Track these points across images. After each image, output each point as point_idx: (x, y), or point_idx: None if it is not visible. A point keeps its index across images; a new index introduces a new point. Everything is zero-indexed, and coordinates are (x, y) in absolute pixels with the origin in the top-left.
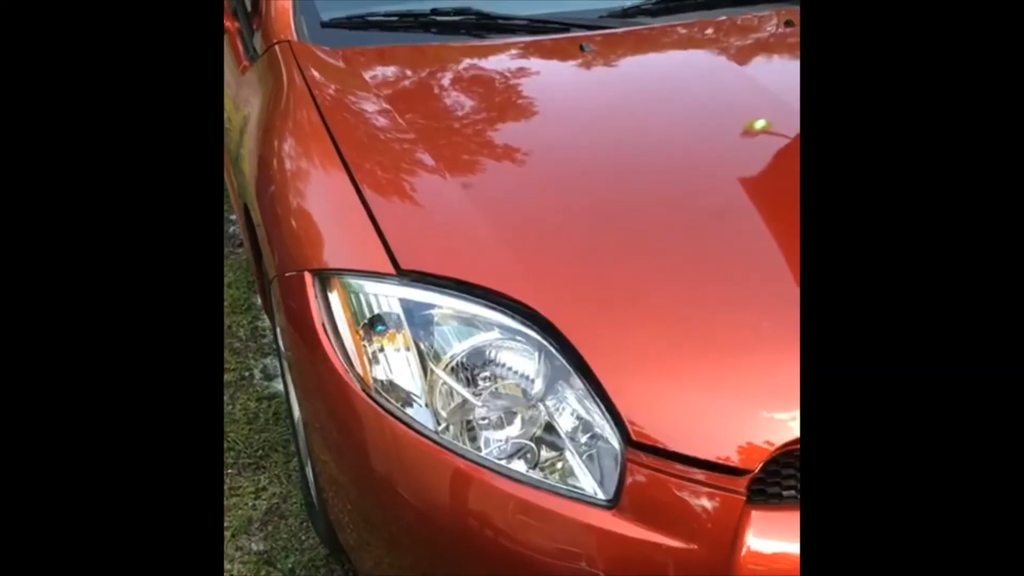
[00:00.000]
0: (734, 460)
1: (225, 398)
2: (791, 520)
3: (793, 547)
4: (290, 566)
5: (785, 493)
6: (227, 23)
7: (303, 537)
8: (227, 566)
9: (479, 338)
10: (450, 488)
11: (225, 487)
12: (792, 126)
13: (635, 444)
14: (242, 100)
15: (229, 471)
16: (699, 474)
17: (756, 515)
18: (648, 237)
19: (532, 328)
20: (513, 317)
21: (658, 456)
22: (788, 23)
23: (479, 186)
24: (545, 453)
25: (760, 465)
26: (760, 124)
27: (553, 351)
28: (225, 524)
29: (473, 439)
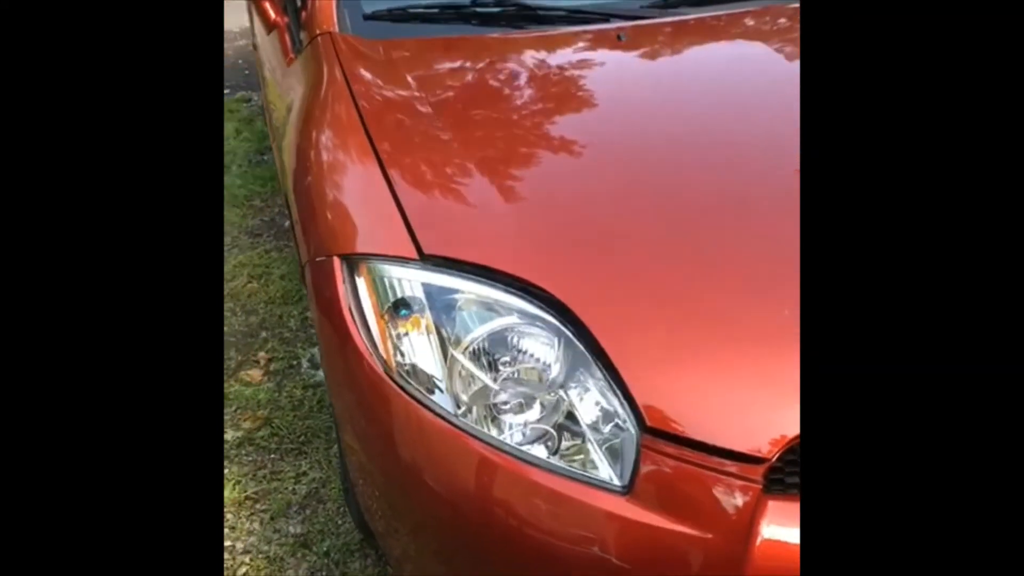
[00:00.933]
0: (751, 448)
1: (272, 385)
2: None
3: None
4: (325, 549)
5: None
6: (276, 18)
7: (339, 522)
8: (265, 547)
9: (498, 323)
10: (469, 472)
11: (267, 471)
12: None
13: (650, 431)
14: (286, 92)
15: (272, 456)
16: (715, 462)
17: (773, 505)
18: (673, 227)
19: (551, 314)
20: (532, 303)
21: (673, 443)
22: None
23: (508, 175)
24: (566, 440)
25: (777, 454)
26: None
27: (572, 337)
28: (264, 507)
29: (494, 424)
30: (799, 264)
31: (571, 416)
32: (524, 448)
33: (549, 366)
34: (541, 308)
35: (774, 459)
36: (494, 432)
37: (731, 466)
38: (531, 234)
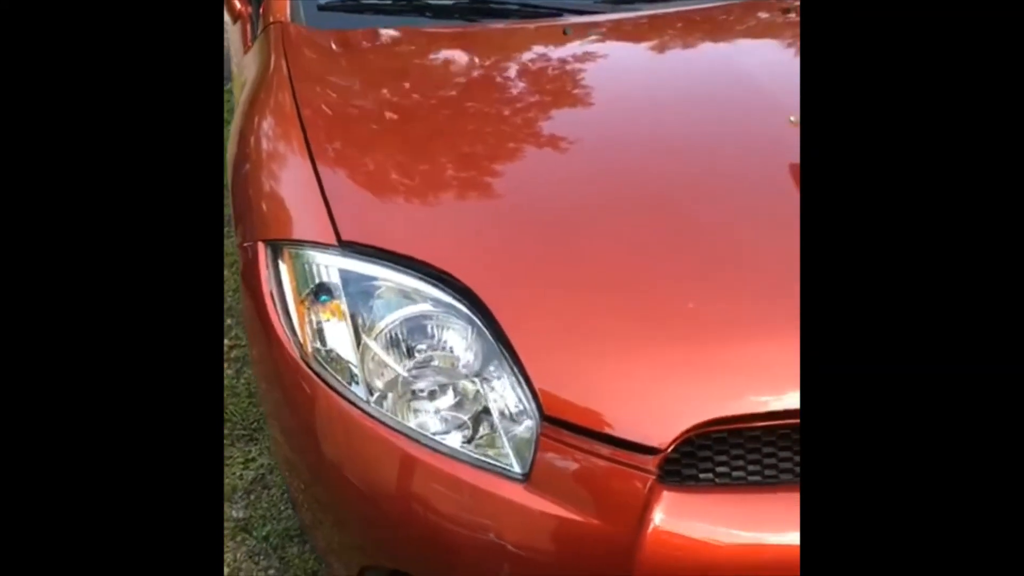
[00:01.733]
0: (645, 439)
1: (231, 372)
2: (703, 502)
3: (702, 528)
4: (265, 534)
5: (701, 475)
6: (240, 7)
7: (282, 508)
8: None
9: (409, 310)
10: (380, 461)
11: None
12: (771, 117)
13: (549, 419)
14: (242, 81)
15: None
16: (610, 451)
17: (668, 495)
18: (596, 221)
19: (462, 303)
20: (445, 291)
21: (570, 431)
22: (786, 10)
23: (435, 166)
24: (482, 428)
25: (671, 446)
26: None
27: (481, 326)
28: None
29: (409, 413)
30: (718, 259)
31: (482, 402)
32: (438, 437)
33: (464, 354)
34: (453, 296)
35: (669, 450)
36: (409, 421)
37: (626, 456)
38: (451, 224)
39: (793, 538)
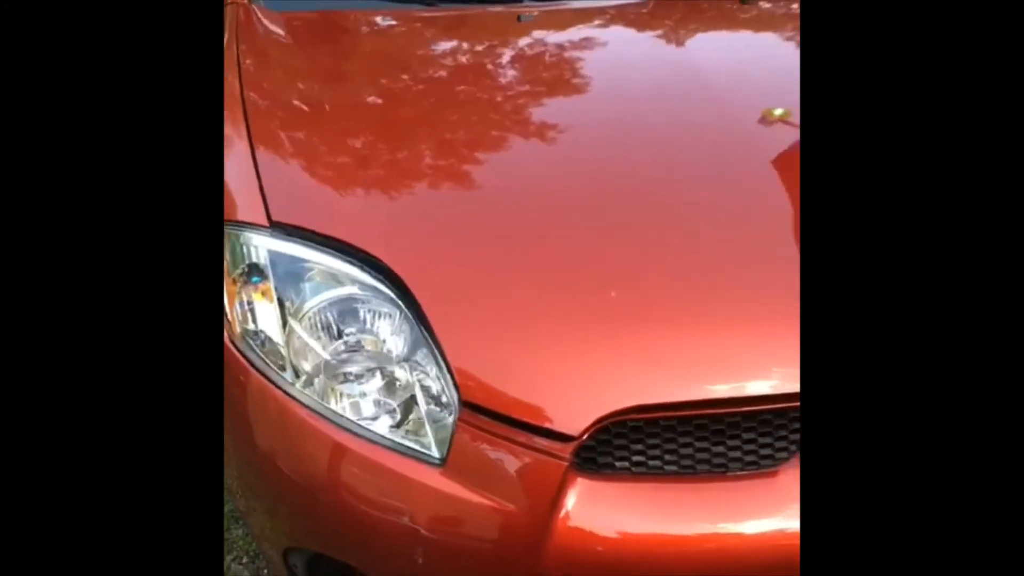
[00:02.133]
0: (559, 427)
1: None
2: (618, 490)
3: (614, 516)
4: None
5: (618, 464)
6: None
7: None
8: None
9: (334, 292)
10: (301, 443)
11: None
12: (726, 110)
13: (466, 404)
14: None
15: None
16: (524, 438)
17: (582, 482)
18: (534, 211)
19: (388, 286)
20: (371, 274)
21: (487, 417)
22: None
23: (373, 150)
24: (408, 413)
25: (586, 434)
26: (779, 112)
27: (406, 310)
28: None
29: (337, 397)
30: (645, 252)
31: (409, 387)
32: (366, 422)
33: (389, 339)
34: (379, 280)
35: (584, 438)
36: (336, 405)
37: (540, 443)
38: (384, 209)
39: (706, 529)
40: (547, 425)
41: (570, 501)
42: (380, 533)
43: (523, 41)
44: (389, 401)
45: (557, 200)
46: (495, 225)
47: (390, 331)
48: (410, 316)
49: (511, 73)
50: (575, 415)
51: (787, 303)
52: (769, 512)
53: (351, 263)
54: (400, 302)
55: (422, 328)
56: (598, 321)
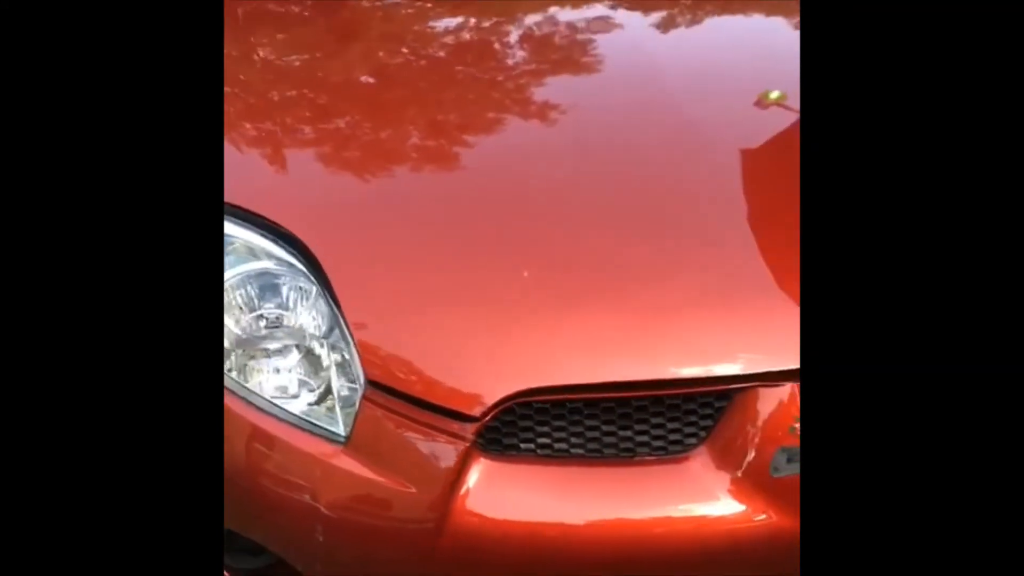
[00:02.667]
0: (462, 407)
1: None
2: (521, 472)
3: (514, 498)
4: None
5: (523, 446)
6: None
7: None
8: None
9: (249, 267)
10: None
11: None
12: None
13: (371, 383)
14: None
15: None
16: (427, 417)
17: (484, 464)
18: (461, 199)
19: (301, 261)
20: (287, 249)
21: (392, 396)
22: None
23: (315, 132)
24: (326, 390)
25: (489, 414)
26: (775, 95)
27: (319, 286)
28: None
29: (252, 372)
30: (562, 237)
31: (323, 363)
32: (281, 399)
33: (305, 315)
34: (293, 255)
35: (487, 419)
36: (250, 381)
37: (441, 422)
38: (312, 186)
39: (610, 514)
40: (448, 405)
41: (470, 483)
42: (283, 511)
43: (486, 22)
44: (306, 378)
45: (492, 186)
46: (421, 208)
47: (307, 308)
48: (325, 293)
49: (465, 56)
50: (478, 396)
51: (701, 290)
52: (676, 499)
53: (267, 237)
54: (314, 279)
55: (335, 305)
56: (507, 302)
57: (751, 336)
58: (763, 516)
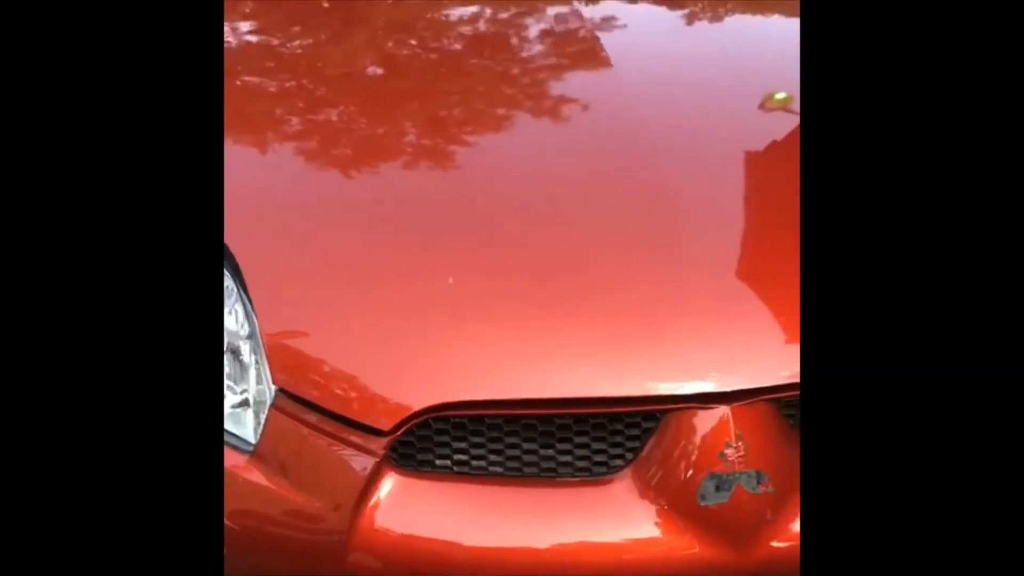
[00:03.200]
0: (370, 420)
1: None
2: (435, 490)
3: (428, 517)
4: None
5: (438, 462)
6: None
7: None
8: None
9: None
10: None
11: None
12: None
13: (282, 391)
14: None
15: None
16: (336, 429)
17: (394, 479)
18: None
19: (227, 258)
20: None
21: (300, 404)
22: None
23: (257, 131)
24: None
25: (402, 428)
26: (780, 96)
27: (237, 285)
28: None
29: None
30: (502, 249)
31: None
32: None
33: (226, 317)
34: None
35: (399, 433)
36: None
37: (351, 436)
38: (247, 183)
39: (525, 536)
40: (359, 418)
41: (381, 498)
42: None
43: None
44: (232, 383)
45: (429, 192)
46: (356, 213)
47: (228, 307)
48: (242, 295)
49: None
50: (390, 409)
51: (643, 305)
52: (596, 524)
53: None
54: (234, 279)
55: (251, 306)
56: (428, 312)
57: (686, 356)
58: (687, 546)
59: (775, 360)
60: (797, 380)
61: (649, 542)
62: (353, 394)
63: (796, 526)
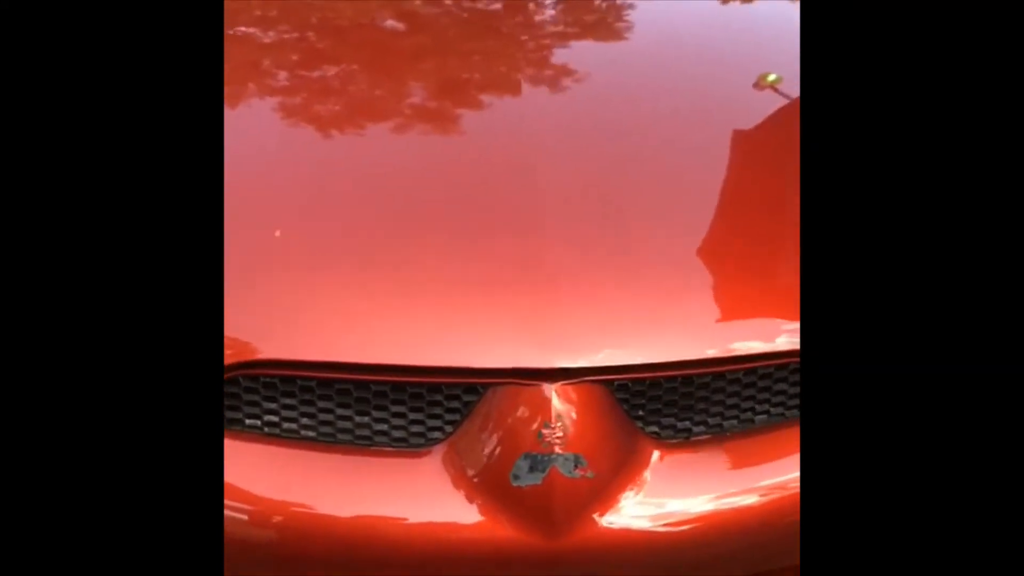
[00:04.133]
0: None
1: None
2: (242, 450)
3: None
4: None
5: (248, 421)
6: None
7: None
8: None
9: None
10: None
11: None
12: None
13: None
14: None
15: None
16: None
17: None
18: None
19: None
20: None
21: None
22: None
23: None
24: None
25: None
26: (772, 78)
27: None
28: None
29: None
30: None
31: None
32: None
33: None
34: None
35: None
36: None
37: None
38: None
39: (327, 504)
40: None
41: None
42: None
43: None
44: None
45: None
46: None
47: None
48: None
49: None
50: None
51: (479, 276)
52: (402, 497)
53: None
54: None
55: None
56: (240, 265)
57: (517, 327)
58: (497, 526)
59: (618, 340)
60: (636, 362)
61: (457, 520)
62: None
63: (617, 515)
